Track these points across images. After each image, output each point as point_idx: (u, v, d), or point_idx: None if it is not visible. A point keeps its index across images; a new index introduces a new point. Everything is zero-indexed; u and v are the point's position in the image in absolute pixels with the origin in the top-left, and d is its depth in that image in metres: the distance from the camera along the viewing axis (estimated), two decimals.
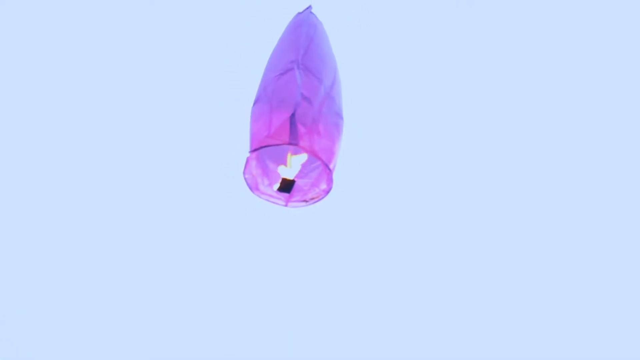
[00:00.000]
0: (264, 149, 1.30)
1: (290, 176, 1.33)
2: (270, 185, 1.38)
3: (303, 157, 1.36)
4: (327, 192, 1.35)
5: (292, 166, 1.37)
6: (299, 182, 1.38)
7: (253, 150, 1.28)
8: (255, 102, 1.35)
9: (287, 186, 1.32)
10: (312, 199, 1.37)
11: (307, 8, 1.43)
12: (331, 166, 1.30)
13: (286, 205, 1.38)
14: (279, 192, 1.36)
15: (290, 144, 1.25)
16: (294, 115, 1.26)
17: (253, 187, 1.35)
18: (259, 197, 1.37)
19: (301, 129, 1.26)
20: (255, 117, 1.32)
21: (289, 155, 1.37)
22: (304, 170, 1.38)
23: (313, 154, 1.26)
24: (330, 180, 1.32)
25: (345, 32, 1.66)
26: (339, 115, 1.35)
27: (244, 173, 1.32)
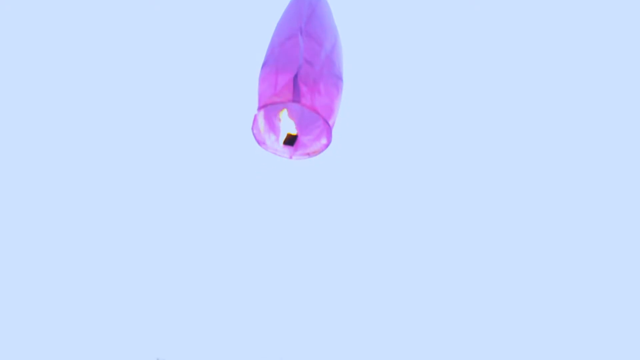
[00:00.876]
0: (270, 106, 1.45)
1: (293, 131, 1.49)
2: (276, 140, 1.53)
3: (303, 114, 1.51)
4: (327, 146, 1.50)
5: (285, 121, 1.53)
6: (302, 138, 1.53)
7: (260, 108, 1.43)
8: (263, 65, 1.50)
9: (291, 140, 1.48)
10: (314, 152, 1.52)
11: None
12: (331, 122, 1.45)
13: (290, 158, 1.53)
14: (284, 146, 1.51)
15: (293, 101, 1.40)
16: (297, 76, 1.41)
17: (261, 142, 1.51)
18: (266, 150, 1.52)
19: (303, 89, 1.41)
20: (262, 79, 1.47)
21: (282, 111, 1.52)
22: (307, 127, 1.53)
23: (314, 111, 1.41)
24: (329, 135, 1.48)
25: (348, 4, 1.80)
26: (338, 77, 1.50)
27: (252, 129, 1.47)
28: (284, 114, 1.52)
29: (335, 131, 1.50)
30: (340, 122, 1.55)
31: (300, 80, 1.42)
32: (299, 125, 1.50)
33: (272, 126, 1.53)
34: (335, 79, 1.49)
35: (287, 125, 1.52)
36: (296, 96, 1.40)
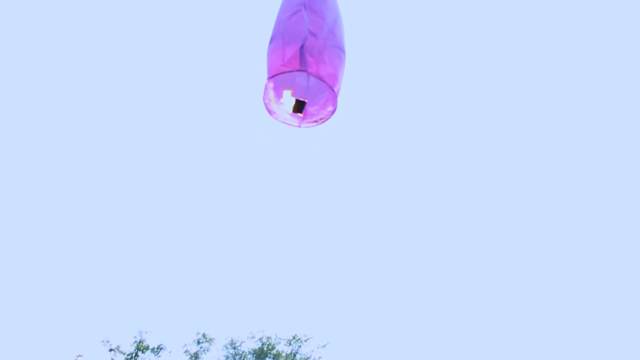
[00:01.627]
0: (279, 78, 1.57)
1: (301, 98, 1.60)
2: (285, 111, 1.64)
3: (310, 85, 1.62)
4: (333, 112, 1.61)
5: (291, 94, 1.64)
6: (309, 108, 1.64)
7: (270, 78, 1.55)
8: (270, 41, 1.61)
9: (300, 107, 1.59)
10: (321, 119, 1.63)
11: None
12: (335, 89, 1.56)
13: (299, 126, 1.65)
14: (293, 115, 1.62)
15: (300, 70, 1.51)
16: (303, 47, 1.52)
17: (271, 112, 1.62)
18: (277, 120, 1.63)
19: (309, 58, 1.52)
20: (271, 52, 1.59)
21: (285, 91, 1.62)
22: (314, 97, 1.64)
23: (320, 79, 1.52)
24: (335, 102, 1.59)
25: None
26: (340, 49, 1.61)
27: (263, 98, 1.59)
28: (290, 91, 1.63)
29: (340, 99, 1.62)
30: (344, 91, 1.66)
31: (306, 50, 1.53)
32: (305, 95, 1.61)
33: (281, 98, 1.65)
34: (338, 50, 1.60)
35: (294, 96, 1.63)
36: (303, 65, 1.51)
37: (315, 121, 1.64)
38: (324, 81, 1.51)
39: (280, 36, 1.57)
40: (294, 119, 1.64)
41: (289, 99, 1.62)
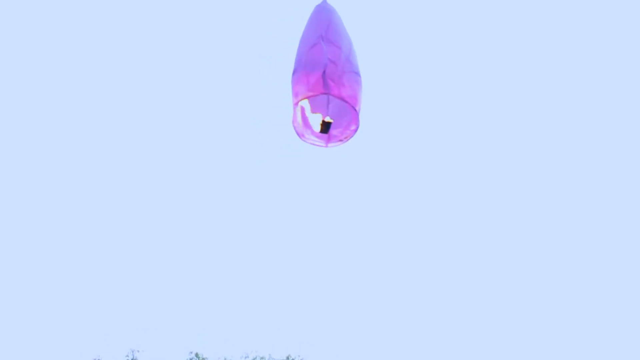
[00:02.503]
0: (305, 102, 1.76)
1: (327, 119, 1.78)
2: (312, 134, 1.83)
3: (332, 109, 1.81)
4: (356, 130, 1.79)
5: (316, 121, 1.82)
6: (333, 131, 1.82)
7: (297, 103, 1.74)
8: (294, 72, 1.80)
9: (326, 127, 1.77)
10: (345, 137, 1.81)
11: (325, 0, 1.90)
12: (357, 109, 1.75)
13: (326, 146, 1.83)
14: (319, 136, 1.80)
15: (324, 93, 1.70)
16: (325, 73, 1.72)
17: (300, 135, 1.81)
18: (305, 142, 1.82)
19: (330, 83, 1.71)
20: (295, 81, 1.78)
21: (314, 115, 1.81)
22: (337, 119, 1.82)
23: (342, 100, 1.71)
24: (357, 121, 1.77)
25: (352, 15, 2.11)
26: (357, 73, 1.80)
27: (293, 122, 1.77)
28: (319, 115, 1.81)
29: (361, 118, 1.80)
30: (364, 112, 1.85)
31: (327, 76, 1.72)
32: (330, 116, 1.80)
33: (307, 123, 1.83)
34: (355, 75, 1.79)
35: (319, 118, 1.82)
36: (326, 88, 1.71)
37: (340, 140, 1.82)
38: (346, 101, 1.70)
39: (302, 67, 1.76)
40: (321, 140, 1.83)
41: (315, 122, 1.81)
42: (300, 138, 1.81)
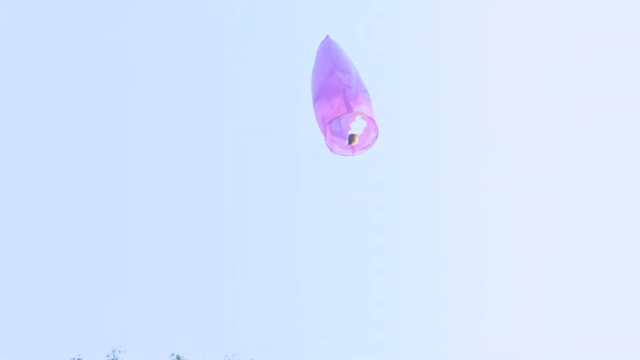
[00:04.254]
0: (332, 123, 2.15)
1: (354, 132, 2.18)
2: (340, 146, 2.22)
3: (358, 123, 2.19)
4: (376, 137, 2.19)
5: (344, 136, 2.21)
6: (358, 140, 2.22)
7: (327, 124, 2.13)
8: (315, 101, 2.20)
9: (352, 139, 2.17)
10: (368, 144, 2.21)
11: (327, 37, 2.30)
12: (375, 118, 2.15)
13: (354, 155, 2.22)
14: (347, 147, 2.19)
15: (347, 112, 2.10)
16: (345, 96, 2.11)
17: (333, 150, 2.20)
18: (337, 154, 2.21)
19: (351, 103, 2.11)
20: (319, 108, 2.17)
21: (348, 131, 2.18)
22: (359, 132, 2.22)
23: (362, 114, 2.11)
24: (377, 129, 2.17)
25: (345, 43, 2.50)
26: (366, 91, 2.20)
27: (326, 142, 2.17)
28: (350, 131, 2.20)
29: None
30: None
31: (347, 98, 2.12)
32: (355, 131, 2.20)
33: (335, 138, 2.23)
34: (366, 93, 2.19)
35: (346, 133, 2.21)
36: (349, 109, 2.10)
37: (364, 147, 2.22)
38: (366, 115, 2.10)
39: (323, 94, 2.16)
40: (349, 151, 2.22)
41: (343, 137, 2.20)
42: (333, 152, 2.21)
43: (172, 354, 6.15)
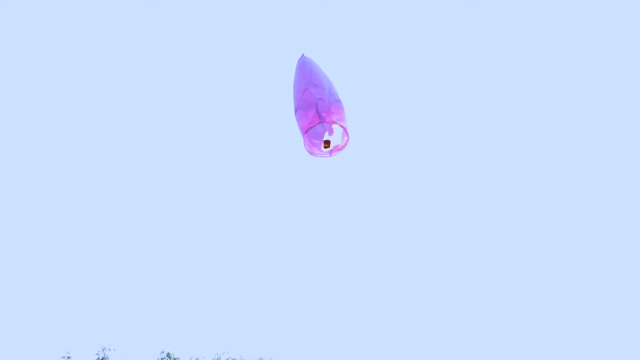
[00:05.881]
0: (309, 131, 2.53)
1: (329, 138, 2.56)
2: (318, 149, 2.60)
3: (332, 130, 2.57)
4: (348, 140, 2.57)
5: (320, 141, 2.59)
6: (332, 143, 2.60)
7: (304, 133, 2.52)
8: (296, 111, 2.58)
9: (327, 144, 2.55)
10: (343, 146, 2.59)
11: (302, 55, 2.68)
12: (345, 125, 2.53)
13: (330, 155, 2.61)
14: (324, 151, 2.58)
15: (320, 122, 2.48)
16: (317, 109, 2.49)
17: (311, 153, 2.58)
18: (315, 157, 2.60)
19: (323, 114, 2.49)
20: (299, 117, 2.56)
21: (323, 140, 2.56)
22: (334, 136, 2.60)
23: (334, 123, 2.49)
24: (347, 134, 2.55)
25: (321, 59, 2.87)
26: (338, 101, 2.58)
27: (305, 146, 2.55)
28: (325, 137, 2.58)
29: (350, 131, 2.58)
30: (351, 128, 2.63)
31: (319, 110, 2.50)
32: (329, 136, 2.58)
33: (313, 143, 2.61)
34: (337, 102, 2.57)
35: (323, 138, 2.60)
36: (321, 119, 2.49)
37: (339, 149, 2.60)
38: (337, 123, 2.48)
39: (301, 107, 2.55)
40: (326, 153, 2.61)
41: (317, 142, 2.59)
42: (311, 155, 2.60)
43: (162, 352, 6.12)
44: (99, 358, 5.95)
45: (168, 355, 6.09)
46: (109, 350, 6.00)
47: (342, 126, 2.53)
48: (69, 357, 5.87)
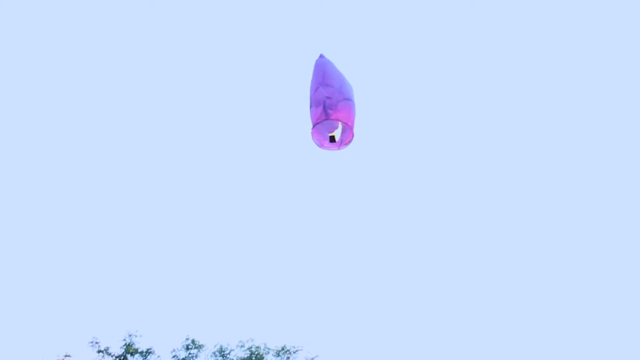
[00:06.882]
0: (318, 125, 2.81)
1: (334, 134, 2.82)
2: (327, 142, 2.87)
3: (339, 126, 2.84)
4: (352, 137, 2.83)
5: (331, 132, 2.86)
6: (338, 138, 2.87)
7: (313, 127, 2.80)
8: (310, 106, 2.86)
9: (334, 139, 2.82)
10: (348, 142, 2.85)
11: (320, 55, 2.94)
12: (350, 124, 2.79)
13: (339, 149, 2.88)
14: (331, 144, 2.85)
15: (327, 119, 2.76)
16: (324, 106, 2.77)
17: (320, 145, 2.86)
18: (323, 149, 2.87)
19: (330, 111, 2.77)
20: (310, 115, 2.84)
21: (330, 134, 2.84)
22: (340, 133, 2.87)
23: (339, 120, 2.77)
24: (352, 131, 2.82)
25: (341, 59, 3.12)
26: (347, 99, 2.84)
27: (313, 139, 2.83)
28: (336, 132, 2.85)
29: (355, 130, 2.85)
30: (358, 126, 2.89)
31: (327, 108, 2.78)
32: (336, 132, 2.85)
33: (322, 137, 2.89)
34: (346, 101, 2.84)
35: (330, 133, 2.87)
36: (327, 116, 2.76)
37: (346, 144, 2.87)
38: (342, 121, 2.76)
39: (313, 104, 2.83)
40: (334, 147, 2.88)
41: (326, 138, 2.86)
42: (321, 147, 2.88)
43: (187, 338, 6.25)
44: (125, 343, 6.13)
45: (193, 342, 6.22)
46: (135, 336, 6.19)
47: (346, 124, 2.80)
48: (97, 342, 6.07)
